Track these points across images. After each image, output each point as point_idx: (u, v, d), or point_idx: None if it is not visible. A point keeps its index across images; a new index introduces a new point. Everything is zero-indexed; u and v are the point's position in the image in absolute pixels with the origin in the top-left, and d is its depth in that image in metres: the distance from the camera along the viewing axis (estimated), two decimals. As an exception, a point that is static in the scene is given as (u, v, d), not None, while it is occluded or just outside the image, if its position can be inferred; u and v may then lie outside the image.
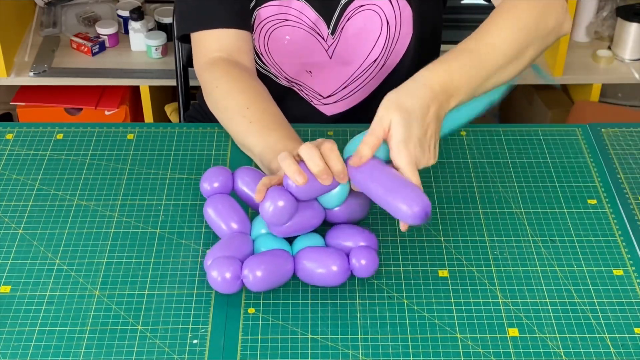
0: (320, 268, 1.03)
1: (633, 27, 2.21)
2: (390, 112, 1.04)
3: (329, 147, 1.05)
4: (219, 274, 1.01)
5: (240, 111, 1.23)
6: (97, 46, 2.21)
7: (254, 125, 1.21)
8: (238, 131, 1.24)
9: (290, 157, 1.04)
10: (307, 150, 1.04)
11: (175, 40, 1.67)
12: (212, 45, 1.32)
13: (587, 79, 2.22)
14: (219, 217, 1.09)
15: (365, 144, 1.05)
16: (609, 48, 2.27)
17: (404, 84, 1.08)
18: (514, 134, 1.31)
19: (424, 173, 1.11)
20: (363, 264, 1.03)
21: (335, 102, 1.45)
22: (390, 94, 1.06)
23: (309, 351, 0.98)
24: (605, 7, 2.27)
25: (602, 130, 1.33)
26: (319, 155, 1.04)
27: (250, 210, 1.15)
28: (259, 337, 0.99)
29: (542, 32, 1.15)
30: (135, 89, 2.29)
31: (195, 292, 1.05)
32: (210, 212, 1.10)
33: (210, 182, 1.12)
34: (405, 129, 1.03)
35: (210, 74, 1.30)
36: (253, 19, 1.36)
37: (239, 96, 1.25)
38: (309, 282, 1.05)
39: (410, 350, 0.98)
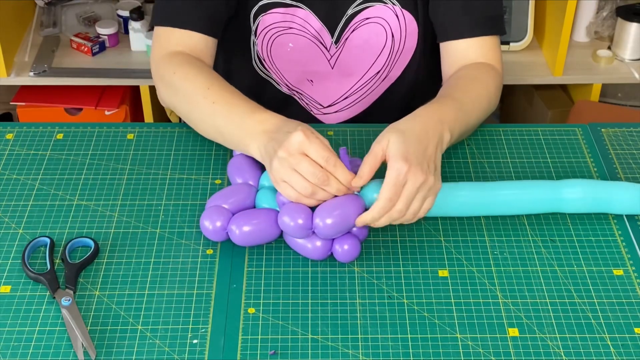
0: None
1: (633, 27, 2.21)
2: (388, 133, 1.06)
3: (332, 161, 1.04)
4: (210, 223, 1.08)
5: (201, 92, 1.19)
6: (97, 46, 2.21)
7: (218, 106, 1.17)
8: (203, 115, 1.19)
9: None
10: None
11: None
12: (175, 42, 1.28)
13: (587, 79, 2.22)
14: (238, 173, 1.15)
15: (365, 164, 1.05)
16: (609, 48, 2.27)
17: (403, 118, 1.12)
18: (514, 134, 1.31)
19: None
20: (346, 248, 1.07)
21: (335, 112, 1.45)
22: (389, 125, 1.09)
23: (309, 351, 0.98)
24: (605, 7, 2.27)
25: (602, 130, 1.33)
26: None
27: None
28: (259, 337, 0.99)
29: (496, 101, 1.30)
30: (135, 89, 2.29)
31: (195, 292, 1.05)
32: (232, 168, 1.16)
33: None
34: (402, 144, 1.04)
35: (168, 63, 1.25)
36: (256, 24, 1.36)
37: (197, 78, 1.21)
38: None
39: (410, 350, 0.98)
